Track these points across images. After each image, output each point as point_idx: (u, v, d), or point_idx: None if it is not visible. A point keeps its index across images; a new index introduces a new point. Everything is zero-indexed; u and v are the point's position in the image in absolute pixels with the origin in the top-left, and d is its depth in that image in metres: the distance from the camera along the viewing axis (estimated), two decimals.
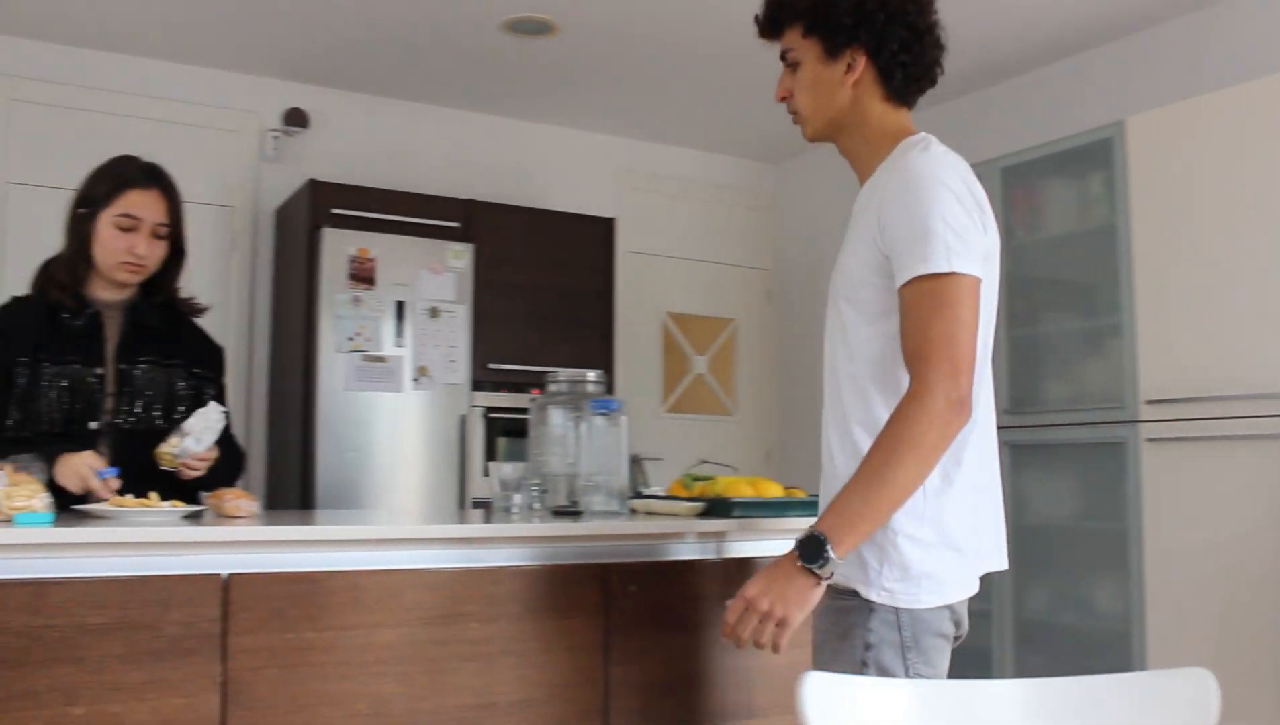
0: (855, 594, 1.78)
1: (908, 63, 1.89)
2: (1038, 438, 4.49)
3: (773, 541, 2.37)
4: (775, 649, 1.73)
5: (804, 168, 6.57)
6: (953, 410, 1.69)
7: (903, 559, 1.76)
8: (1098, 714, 1.46)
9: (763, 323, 6.68)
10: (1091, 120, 4.63)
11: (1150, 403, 4.03)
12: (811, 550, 1.69)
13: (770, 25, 1.99)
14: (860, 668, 1.75)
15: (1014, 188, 4.71)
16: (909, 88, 1.93)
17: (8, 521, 1.90)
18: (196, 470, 2.41)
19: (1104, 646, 4.22)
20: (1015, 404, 4.55)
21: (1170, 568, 3.94)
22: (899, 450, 1.68)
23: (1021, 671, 4.48)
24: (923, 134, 1.92)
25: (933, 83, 1.95)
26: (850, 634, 1.78)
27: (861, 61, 1.89)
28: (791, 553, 1.71)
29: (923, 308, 1.71)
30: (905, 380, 1.75)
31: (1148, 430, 4.04)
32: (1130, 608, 4.06)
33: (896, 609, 1.76)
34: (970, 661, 4.76)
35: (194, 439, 2.38)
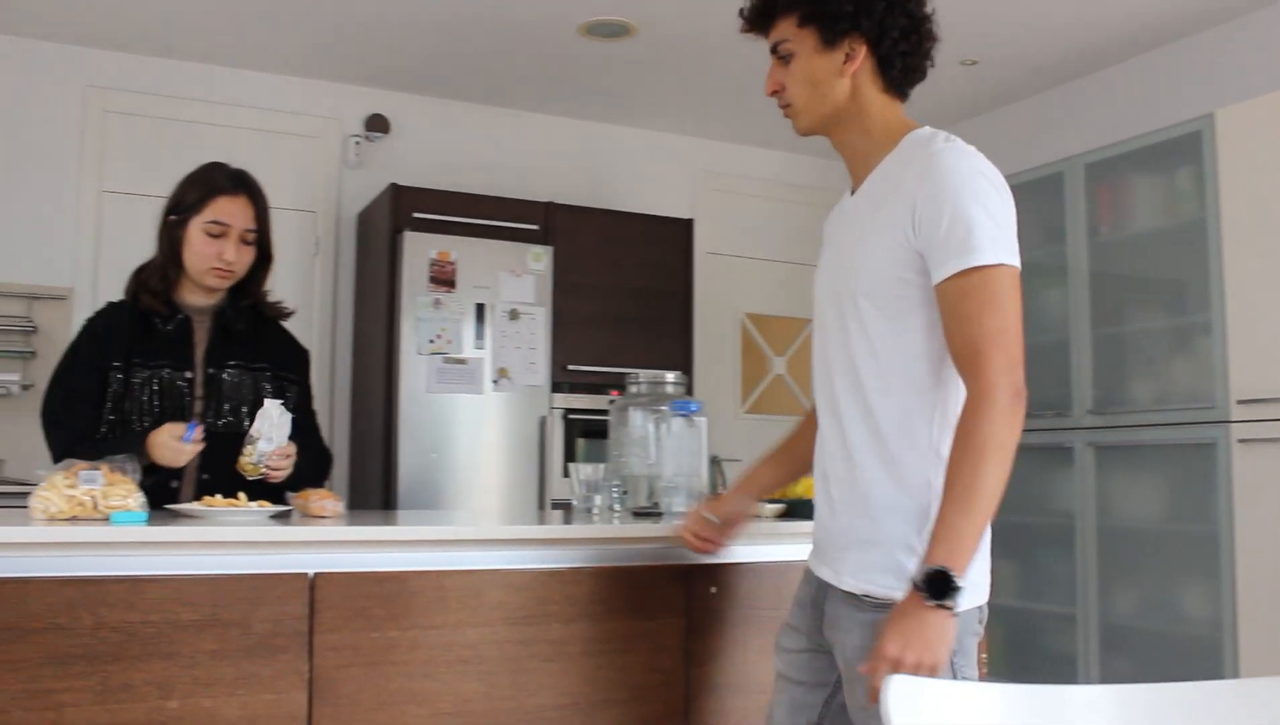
0: (894, 604, 1.71)
1: (907, 51, 1.86)
2: (1124, 438, 4.41)
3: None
4: None
5: None
6: (1017, 404, 1.67)
7: None
8: (1189, 722, 1.43)
9: None
10: (1179, 114, 4.53)
11: (1242, 402, 3.93)
12: (940, 587, 1.60)
13: (761, 16, 1.92)
14: None
15: (1098, 184, 4.63)
16: (906, 79, 1.89)
17: (105, 520, 1.95)
18: (281, 469, 2.44)
19: (1193, 653, 4.13)
20: (1100, 404, 4.47)
21: (1263, 572, 3.84)
22: (985, 456, 1.64)
23: (1107, 677, 4.40)
24: (929, 128, 1.88)
25: (923, 76, 1.92)
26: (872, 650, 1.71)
27: (861, 51, 1.84)
28: (915, 595, 1.62)
29: (971, 302, 1.68)
30: (938, 379, 1.74)
31: (1239, 431, 3.94)
32: (1221, 613, 3.96)
33: None
34: (1055, 666, 4.69)
35: (265, 440, 2.40)
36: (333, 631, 1.96)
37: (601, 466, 2.55)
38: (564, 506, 4.53)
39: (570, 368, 5.17)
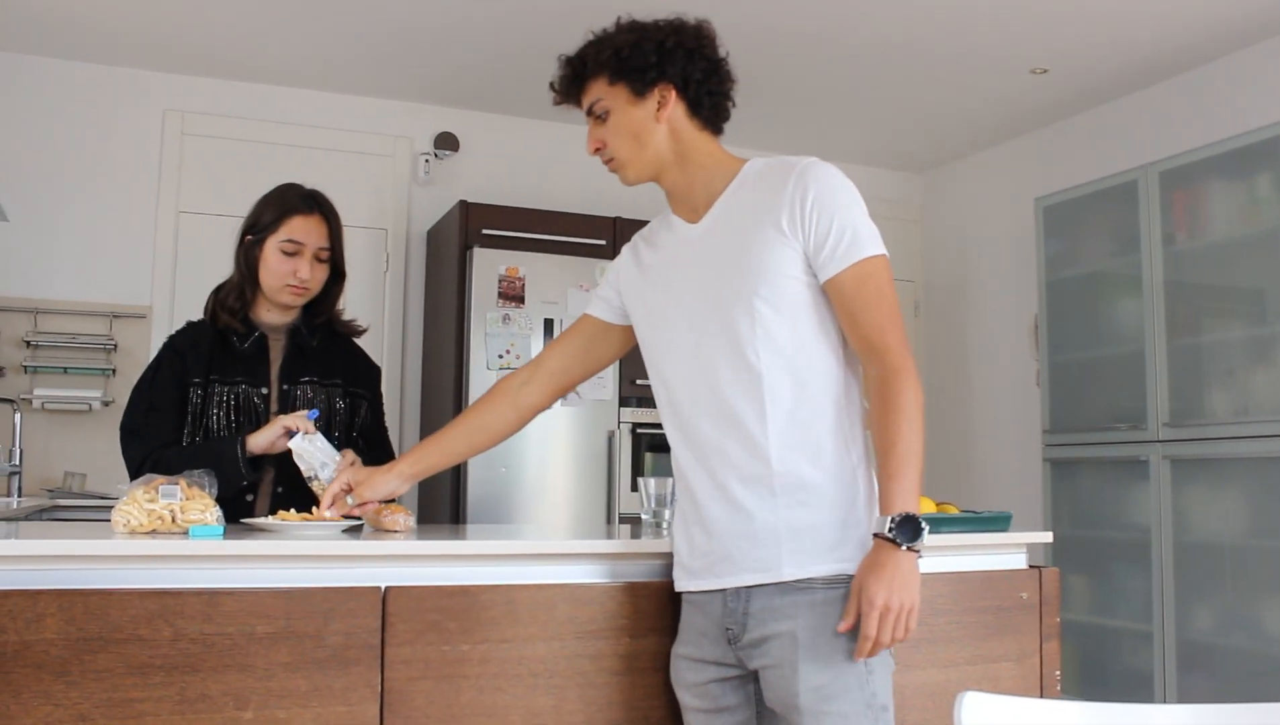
0: (840, 578, 1.85)
1: (713, 91, 2.04)
2: (1201, 451, 4.32)
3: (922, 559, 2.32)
4: (907, 635, 1.79)
5: (951, 177, 6.46)
6: (917, 375, 1.87)
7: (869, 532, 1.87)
8: None
9: (910, 335, 6.56)
10: (1257, 119, 4.44)
11: None
12: (912, 530, 1.78)
13: (573, 84, 2.09)
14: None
15: (1173, 191, 4.55)
16: (717, 115, 2.07)
17: (183, 534, 1.99)
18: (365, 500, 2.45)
19: (1275, 671, 4.03)
20: (1176, 416, 4.38)
21: None
22: (912, 418, 1.82)
23: (1185, 696, 4.30)
24: (761, 158, 2.05)
25: (728, 114, 2.10)
26: (847, 609, 1.82)
27: (671, 96, 2.01)
28: (884, 543, 1.78)
29: (868, 289, 1.87)
30: (838, 363, 1.91)
31: None
32: None
33: None
34: (1130, 684, 4.60)
35: (321, 467, 2.39)
36: (404, 645, 1.97)
37: (669, 481, 2.54)
38: (632, 521, 4.53)
39: (638, 382, 5.17)
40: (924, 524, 1.78)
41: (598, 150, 2.07)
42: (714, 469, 1.95)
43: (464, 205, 5.05)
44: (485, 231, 5.00)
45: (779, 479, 1.88)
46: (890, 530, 1.77)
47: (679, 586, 2.05)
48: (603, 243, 5.18)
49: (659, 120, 2.01)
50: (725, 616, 1.94)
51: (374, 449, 2.74)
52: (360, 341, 2.87)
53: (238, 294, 2.65)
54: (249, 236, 2.65)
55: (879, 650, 1.79)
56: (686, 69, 2.01)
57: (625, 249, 2.24)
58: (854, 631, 1.81)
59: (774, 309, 1.90)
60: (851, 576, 1.84)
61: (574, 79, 2.09)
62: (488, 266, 4.89)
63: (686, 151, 2.04)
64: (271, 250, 2.61)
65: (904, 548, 1.77)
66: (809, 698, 1.82)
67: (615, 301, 2.22)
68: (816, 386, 1.90)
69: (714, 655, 1.97)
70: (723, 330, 1.93)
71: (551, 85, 2.14)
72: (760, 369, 1.89)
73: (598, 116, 2.05)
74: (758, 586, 1.89)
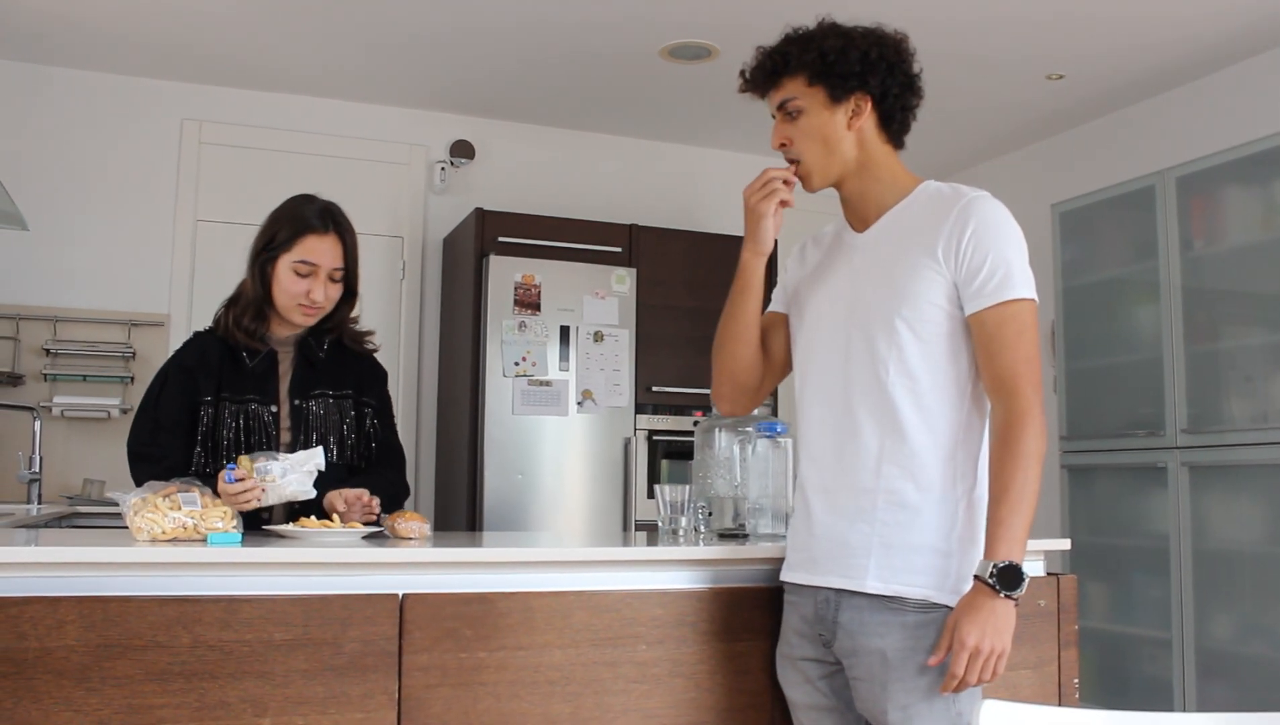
0: (933, 605, 1.90)
1: (905, 107, 2.07)
2: (1220, 458, 4.30)
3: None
4: (994, 678, 1.83)
5: (967, 183, 6.43)
6: (1044, 420, 1.89)
7: (970, 561, 1.91)
8: None
9: None
10: (1274, 124, 4.42)
11: None
12: (1012, 579, 1.80)
13: (768, 77, 2.09)
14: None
15: (1191, 197, 4.53)
16: (903, 131, 2.10)
17: (202, 541, 2.00)
18: (371, 511, 2.44)
19: None
20: (1195, 423, 4.36)
21: None
22: (1030, 464, 1.84)
23: (1204, 704, 4.28)
24: (935, 181, 2.09)
25: (909, 129, 2.12)
26: (939, 644, 1.86)
27: (866, 106, 2.03)
28: (985, 588, 1.81)
29: (1008, 329, 1.89)
30: (963, 396, 1.94)
31: None
32: None
33: None
34: (1149, 692, 4.58)
35: (296, 483, 2.29)
36: (422, 652, 1.98)
37: (686, 488, 2.54)
38: (649, 528, 4.53)
39: (654, 389, 5.18)
40: (1025, 575, 1.81)
41: (783, 146, 2.09)
42: (826, 470, 2.03)
43: (480, 213, 5.06)
44: (501, 239, 5.01)
45: (882, 495, 1.94)
46: (991, 576, 1.81)
47: (781, 577, 2.14)
48: (619, 250, 5.19)
49: (850, 128, 2.04)
50: (816, 621, 2.01)
51: (383, 453, 2.72)
52: (372, 342, 2.80)
53: (254, 313, 2.60)
54: (263, 253, 2.59)
55: (964, 689, 1.84)
56: (886, 82, 2.03)
57: (796, 247, 2.31)
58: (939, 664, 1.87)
59: (912, 332, 1.94)
60: (944, 606, 1.89)
61: (771, 72, 2.09)
62: (504, 274, 4.90)
63: (868, 162, 2.06)
64: (284, 269, 2.57)
65: (1002, 594, 1.80)
66: (897, 715, 1.88)
67: (782, 297, 2.28)
68: (937, 414, 1.94)
69: (813, 653, 2.04)
70: (863, 342, 1.99)
71: (742, 73, 2.14)
72: (887, 386, 1.95)
73: (788, 114, 2.07)
74: (846, 594, 1.96)
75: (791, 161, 2.08)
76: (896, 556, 1.92)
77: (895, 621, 1.90)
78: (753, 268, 2.13)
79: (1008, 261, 1.91)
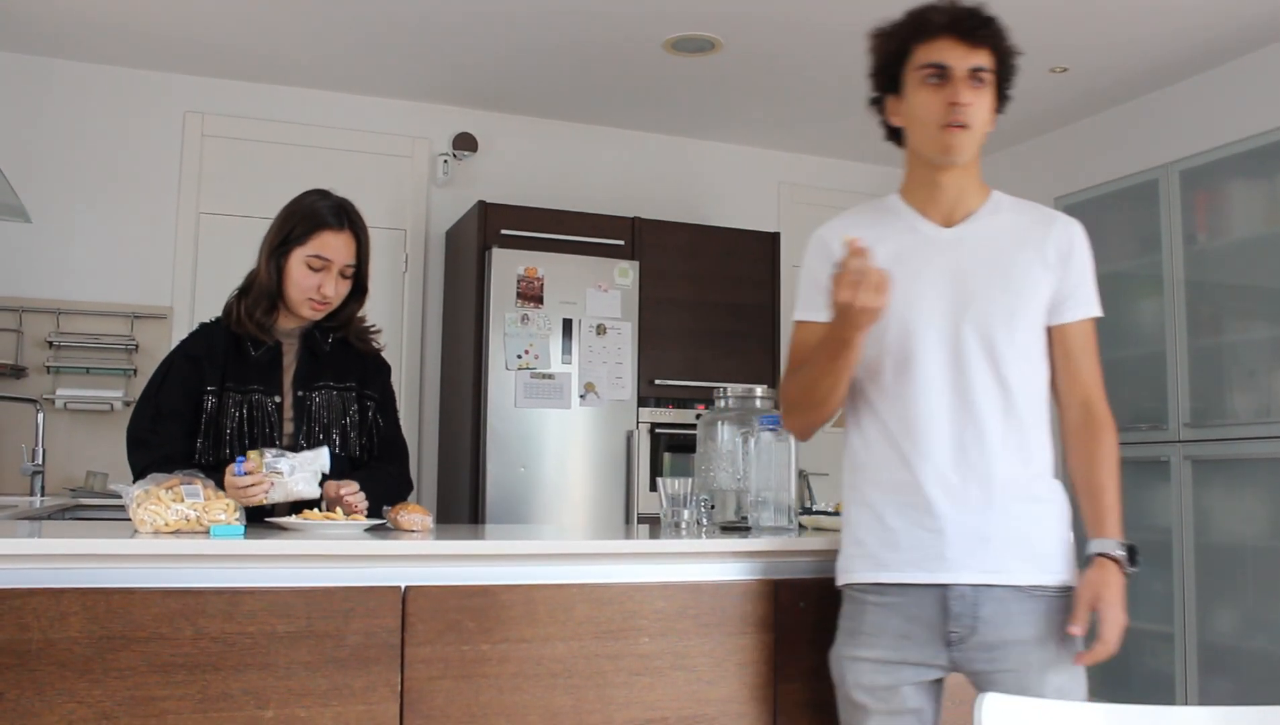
0: (1068, 589, 2.00)
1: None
2: (1222, 452, 4.29)
3: None
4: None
5: None
6: None
7: (1072, 544, 2.08)
8: None
9: None
10: (1278, 118, 4.41)
11: None
12: (1135, 556, 1.99)
13: (981, 32, 2.05)
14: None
15: (1194, 191, 4.53)
16: None
17: (205, 533, 2.00)
18: (362, 502, 2.44)
19: None
20: (1198, 417, 4.36)
21: None
22: (1119, 464, 2.06)
23: (1206, 699, 4.28)
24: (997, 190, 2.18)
25: None
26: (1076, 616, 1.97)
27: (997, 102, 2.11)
28: (1116, 566, 1.97)
29: (1093, 343, 2.08)
30: (1044, 397, 2.07)
31: None
32: None
33: None
34: (1152, 686, 4.58)
35: (303, 488, 2.33)
36: (424, 644, 1.98)
37: (689, 481, 2.54)
38: (651, 521, 4.53)
39: (657, 382, 5.18)
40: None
41: (959, 105, 2.01)
42: (944, 464, 2.00)
43: (483, 206, 5.06)
44: (504, 232, 5.00)
45: (1013, 487, 2.01)
46: (1123, 552, 1.97)
47: (864, 578, 2.06)
48: (621, 243, 5.18)
49: (991, 121, 2.10)
50: (948, 619, 1.98)
51: (385, 447, 2.73)
52: (377, 341, 2.83)
53: (266, 307, 2.60)
54: (277, 246, 2.60)
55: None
56: (1006, 93, 2.13)
57: (818, 244, 2.28)
58: (1073, 642, 1.98)
59: (1026, 330, 2.04)
60: (1071, 587, 2.00)
61: (986, 32, 2.06)
62: (506, 267, 4.90)
63: (976, 159, 2.12)
64: (297, 262, 2.58)
65: (1127, 569, 1.97)
66: (1053, 697, 1.93)
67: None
68: (1040, 408, 2.07)
69: (918, 657, 2.00)
70: (978, 337, 2.02)
71: (952, 9, 2.06)
72: (1011, 383, 2.02)
73: (979, 80, 2.04)
74: (985, 588, 1.97)
75: (957, 126, 2.01)
76: (1033, 546, 2.00)
77: (1039, 609, 1.98)
78: (859, 342, 1.98)
79: (1092, 283, 2.08)
